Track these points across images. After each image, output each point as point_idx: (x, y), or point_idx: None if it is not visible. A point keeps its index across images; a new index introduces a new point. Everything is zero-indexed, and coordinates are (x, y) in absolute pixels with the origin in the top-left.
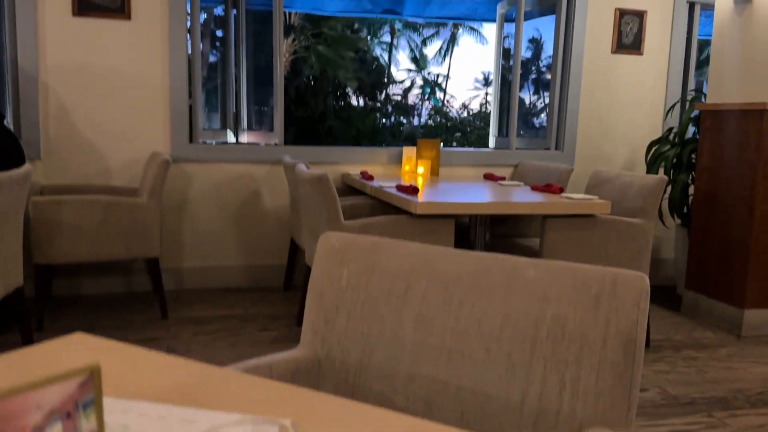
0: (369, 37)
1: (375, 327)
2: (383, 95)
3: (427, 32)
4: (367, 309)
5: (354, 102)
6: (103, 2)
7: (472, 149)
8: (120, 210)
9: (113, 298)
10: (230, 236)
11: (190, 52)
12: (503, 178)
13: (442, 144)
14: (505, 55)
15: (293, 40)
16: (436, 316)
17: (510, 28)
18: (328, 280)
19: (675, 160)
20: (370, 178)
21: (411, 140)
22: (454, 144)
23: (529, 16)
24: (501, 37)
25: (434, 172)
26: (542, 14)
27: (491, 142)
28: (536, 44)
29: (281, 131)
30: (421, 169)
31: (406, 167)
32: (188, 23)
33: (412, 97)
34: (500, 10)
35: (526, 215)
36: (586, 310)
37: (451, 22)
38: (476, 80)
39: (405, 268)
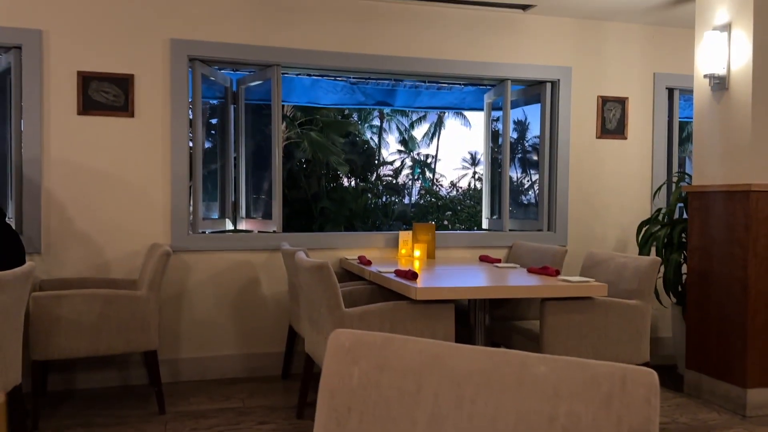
0: (359, 122)
1: (388, 429)
2: (374, 176)
3: (415, 116)
4: (379, 409)
5: (346, 183)
6: (107, 101)
7: (466, 232)
8: (119, 303)
9: (109, 393)
10: (228, 325)
11: (191, 144)
12: (499, 260)
13: (435, 226)
14: (494, 138)
15: (286, 127)
16: (448, 415)
17: (498, 113)
18: (339, 380)
19: (666, 240)
20: (368, 263)
21: (403, 219)
22: (445, 222)
23: (515, 105)
24: (489, 122)
25: (430, 255)
26: (527, 103)
27: (485, 224)
28: (522, 126)
29: (279, 219)
30: (417, 253)
31: (403, 251)
32: (190, 114)
33: (403, 177)
34: (487, 99)
35: (525, 298)
36: (599, 408)
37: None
38: (464, 159)
39: (416, 366)
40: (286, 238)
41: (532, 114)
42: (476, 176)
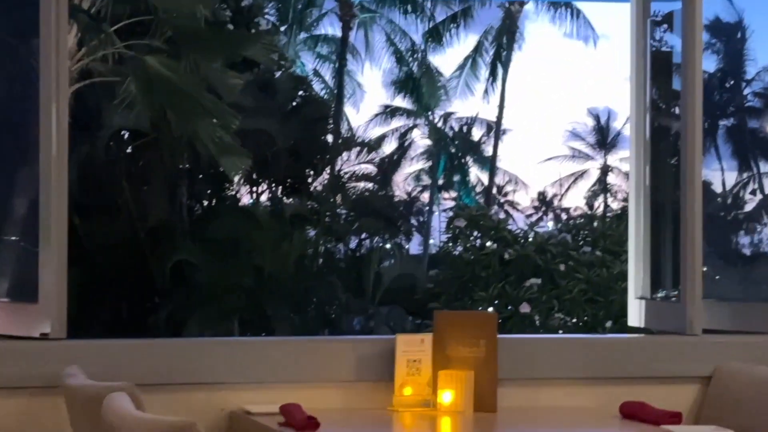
0: (284, 34)
1: None
2: (325, 175)
3: (441, 11)
4: None
5: (246, 198)
6: None
7: (584, 336)
8: None
9: None
10: None
11: None
12: (678, 416)
13: (498, 318)
14: (658, 74)
15: (80, 46)
16: None
17: (667, 6)
18: None
19: None
20: (312, 426)
21: (403, 297)
22: (526, 310)
23: None
24: (644, 32)
25: (484, 403)
26: None
27: (634, 315)
28: (727, 39)
29: (62, 299)
30: (447, 396)
31: (407, 390)
32: None
33: (405, 184)
34: None
35: None
36: None
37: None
38: (573, 134)
39: None
40: (80, 352)
41: (754, 10)
42: (607, 182)
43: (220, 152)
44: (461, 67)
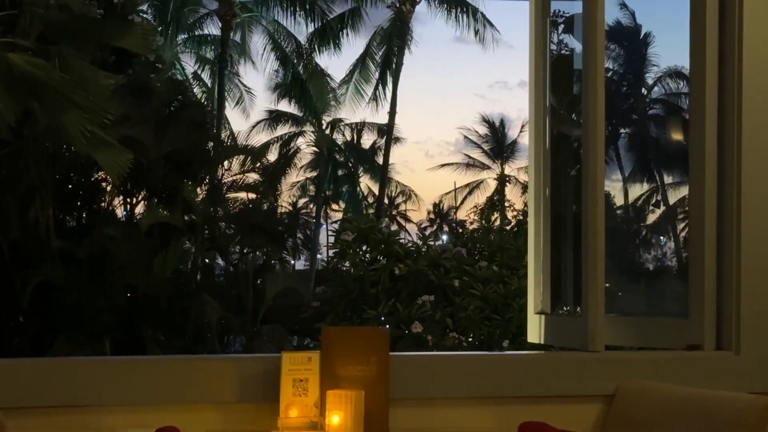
0: (159, 29)
1: None
2: (204, 184)
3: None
4: None
5: (119, 211)
6: None
7: (481, 353)
8: None
9: None
10: None
11: None
12: None
13: (390, 335)
14: (557, 78)
15: None
16: None
17: (566, 5)
18: None
19: None
20: None
21: (291, 320)
22: (418, 330)
23: None
24: (544, 32)
25: (374, 426)
26: None
27: (533, 331)
28: (633, 42)
29: None
30: (336, 418)
31: (293, 411)
32: None
33: (289, 194)
34: None
35: None
36: None
37: None
38: (468, 142)
39: None
40: None
41: (658, 11)
42: (504, 199)
43: (95, 149)
44: (351, 71)
